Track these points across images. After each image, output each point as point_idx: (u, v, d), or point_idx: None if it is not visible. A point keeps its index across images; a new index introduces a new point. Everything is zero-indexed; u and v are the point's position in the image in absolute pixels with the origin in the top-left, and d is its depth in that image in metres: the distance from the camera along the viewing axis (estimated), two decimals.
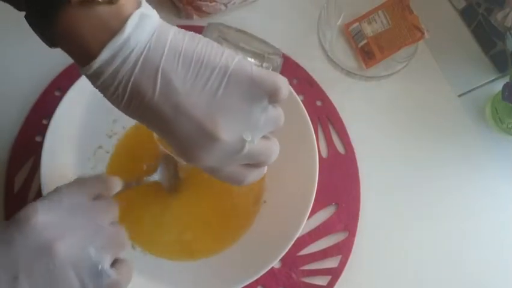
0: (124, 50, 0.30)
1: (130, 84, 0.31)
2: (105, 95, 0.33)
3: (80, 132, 0.52)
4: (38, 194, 0.51)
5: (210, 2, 0.59)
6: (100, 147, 0.54)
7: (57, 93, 0.57)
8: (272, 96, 0.33)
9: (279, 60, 0.38)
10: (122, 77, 0.31)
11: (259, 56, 0.37)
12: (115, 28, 0.30)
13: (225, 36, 0.37)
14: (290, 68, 0.61)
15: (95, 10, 0.30)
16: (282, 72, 0.53)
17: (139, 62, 0.30)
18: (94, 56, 0.30)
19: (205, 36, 0.36)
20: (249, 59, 0.36)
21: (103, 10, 0.30)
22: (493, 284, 0.57)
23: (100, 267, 0.34)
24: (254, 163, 0.37)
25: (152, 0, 0.63)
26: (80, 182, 0.38)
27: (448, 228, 0.59)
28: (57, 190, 0.37)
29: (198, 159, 0.34)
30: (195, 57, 0.31)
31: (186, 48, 0.31)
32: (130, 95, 0.31)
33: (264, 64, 0.37)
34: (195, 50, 0.31)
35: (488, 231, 0.59)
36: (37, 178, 0.54)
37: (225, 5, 0.60)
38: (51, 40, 0.32)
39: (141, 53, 0.30)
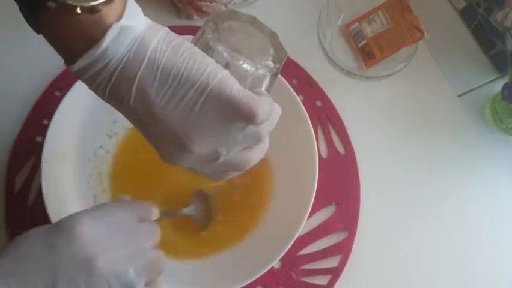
0: (102, 59, 0.30)
1: (108, 89, 0.32)
2: (90, 89, 0.34)
3: (81, 132, 0.52)
4: (39, 194, 0.51)
5: (210, 3, 0.59)
6: (101, 147, 0.54)
7: (57, 94, 0.57)
8: (247, 121, 0.32)
9: (274, 68, 0.37)
10: (101, 81, 0.32)
11: (255, 63, 0.36)
12: (94, 38, 0.30)
13: (221, 37, 0.36)
14: (290, 68, 0.61)
15: (76, 17, 0.30)
16: (282, 73, 0.53)
17: (116, 72, 0.31)
18: (73, 60, 0.31)
19: (201, 34, 0.36)
20: (243, 65, 0.35)
21: (84, 18, 0.30)
22: (492, 284, 0.58)
23: None
24: (231, 170, 0.37)
25: (153, 0, 0.63)
26: (126, 202, 0.38)
27: (447, 227, 0.59)
28: (103, 205, 0.37)
29: (172, 162, 0.35)
30: (174, 72, 0.31)
31: (166, 62, 0.31)
32: (109, 96, 0.32)
33: (260, 71, 0.36)
34: (175, 64, 0.31)
35: (488, 231, 0.59)
36: (38, 178, 0.54)
37: (225, 5, 0.60)
38: (37, 30, 0.33)
39: (119, 63, 0.31)
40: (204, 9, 0.60)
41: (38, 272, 0.32)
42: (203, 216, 0.53)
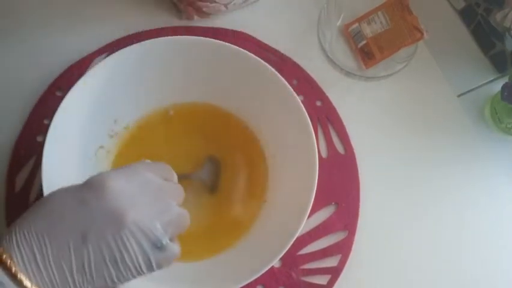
0: None
1: None
2: None
3: (81, 132, 0.52)
4: (40, 194, 0.51)
5: (211, 3, 0.59)
6: (101, 147, 0.55)
7: (58, 94, 0.58)
8: None
9: None
10: None
11: None
12: None
13: None
14: (290, 68, 0.61)
15: None
16: (282, 73, 0.53)
17: None
18: None
19: None
20: None
21: None
22: (491, 283, 0.58)
23: (164, 241, 0.35)
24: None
25: (154, 1, 0.63)
26: (152, 163, 0.40)
27: (447, 227, 0.59)
28: (131, 166, 0.38)
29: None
30: None
31: None
32: None
33: None
34: None
35: (487, 231, 0.59)
36: (38, 178, 0.54)
37: (226, 5, 0.60)
38: None
39: None
40: (204, 9, 0.60)
41: (69, 227, 0.33)
42: (213, 179, 0.55)
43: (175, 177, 0.42)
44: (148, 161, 0.41)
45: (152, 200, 0.36)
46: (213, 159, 0.56)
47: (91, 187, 0.35)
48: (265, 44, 0.62)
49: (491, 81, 0.65)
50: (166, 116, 0.57)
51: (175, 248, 0.37)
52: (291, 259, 0.55)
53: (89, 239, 0.33)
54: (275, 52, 0.62)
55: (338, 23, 0.65)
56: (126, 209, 0.34)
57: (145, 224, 0.35)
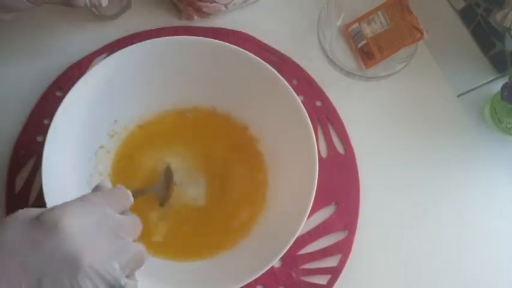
0: None
1: None
2: None
3: (82, 132, 0.52)
4: (40, 194, 0.51)
5: (211, 3, 0.59)
6: (101, 147, 0.55)
7: (58, 94, 0.58)
8: None
9: None
10: None
11: None
12: None
13: None
14: (290, 68, 0.61)
15: None
16: (282, 73, 0.53)
17: None
18: None
19: None
20: None
21: None
22: (491, 283, 0.58)
23: (123, 282, 0.34)
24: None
25: (154, 1, 0.63)
26: (107, 193, 0.38)
27: (447, 227, 0.59)
28: (86, 198, 0.37)
29: None
30: None
31: None
32: None
33: None
34: None
35: (487, 231, 0.59)
36: (38, 178, 0.54)
37: (226, 6, 0.60)
38: None
39: None
40: (204, 9, 0.60)
41: (22, 271, 0.31)
42: (164, 193, 0.54)
43: (131, 199, 0.39)
44: (107, 183, 0.39)
45: (109, 239, 0.35)
46: (168, 172, 0.54)
47: (44, 226, 0.33)
48: (265, 44, 0.62)
49: (491, 81, 0.65)
50: (166, 116, 0.57)
51: (134, 286, 0.36)
52: (291, 259, 0.55)
53: (44, 285, 0.31)
54: (275, 52, 0.62)
55: (338, 23, 0.65)
56: (81, 251, 0.32)
57: (103, 266, 0.33)
